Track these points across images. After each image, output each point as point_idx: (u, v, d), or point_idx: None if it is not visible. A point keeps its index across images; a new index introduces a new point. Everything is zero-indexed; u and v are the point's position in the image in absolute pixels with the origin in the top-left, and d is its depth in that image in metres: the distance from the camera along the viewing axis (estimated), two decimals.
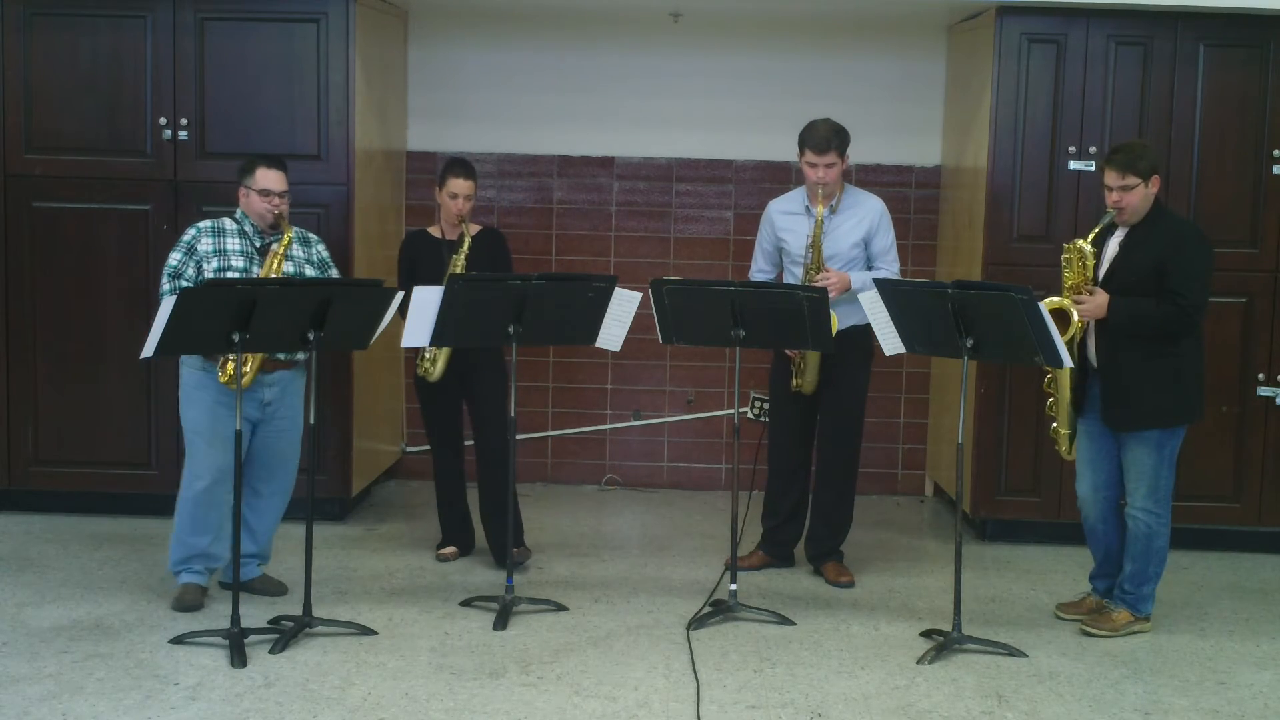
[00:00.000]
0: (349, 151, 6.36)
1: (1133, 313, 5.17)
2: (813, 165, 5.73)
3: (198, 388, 5.33)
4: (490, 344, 5.66)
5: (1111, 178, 5.21)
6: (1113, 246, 5.31)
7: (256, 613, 5.24)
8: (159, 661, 4.85)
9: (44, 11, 6.35)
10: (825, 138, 5.71)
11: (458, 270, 5.74)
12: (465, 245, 5.82)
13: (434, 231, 6.01)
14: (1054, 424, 5.45)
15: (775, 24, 7.30)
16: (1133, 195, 5.19)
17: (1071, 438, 5.41)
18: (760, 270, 6.06)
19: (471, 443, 6.10)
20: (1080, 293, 5.24)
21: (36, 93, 6.37)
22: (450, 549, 6.09)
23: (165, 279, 5.29)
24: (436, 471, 6.14)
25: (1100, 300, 5.19)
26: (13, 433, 6.51)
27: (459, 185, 5.87)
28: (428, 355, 5.86)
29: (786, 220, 5.91)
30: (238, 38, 6.33)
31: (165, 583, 5.52)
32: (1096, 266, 5.29)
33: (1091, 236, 5.26)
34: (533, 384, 7.41)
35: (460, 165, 5.94)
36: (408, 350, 6.12)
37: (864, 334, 5.71)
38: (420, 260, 5.91)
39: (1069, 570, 5.80)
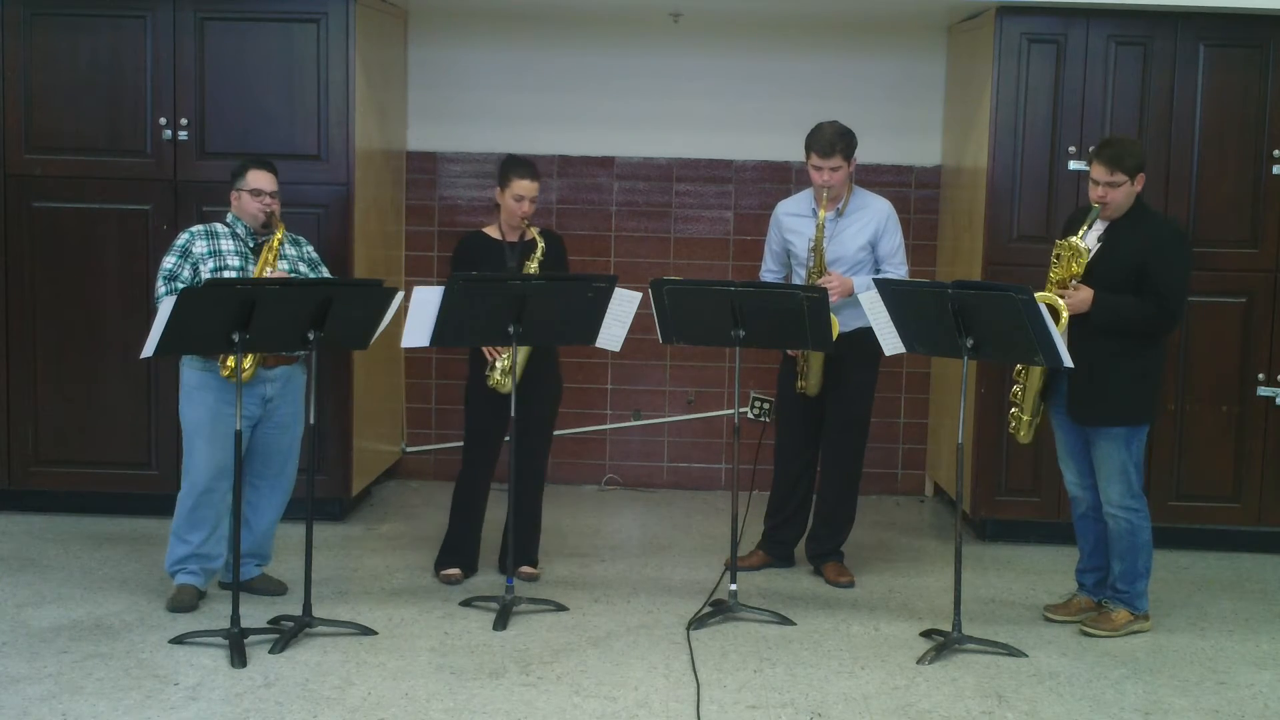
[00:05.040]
0: (349, 151, 6.36)
1: (1117, 309, 5.18)
2: (817, 168, 5.73)
3: (199, 387, 5.33)
4: (491, 344, 5.63)
5: (1099, 172, 5.22)
6: (1092, 242, 5.32)
7: (256, 613, 5.24)
8: (159, 661, 4.85)
9: (44, 11, 6.35)
10: (830, 141, 5.71)
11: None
12: (540, 250, 5.65)
13: (491, 232, 5.81)
14: (1015, 409, 5.44)
15: (775, 24, 7.29)
16: (1118, 191, 5.20)
17: (1032, 424, 5.41)
18: (769, 271, 6.06)
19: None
20: (1065, 288, 5.25)
21: (36, 93, 6.37)
22: (455, 570, 5.83)
23: (161, 282, 5.28)
24: (465, 484, 5.86)
25: (1085, 295, 5.20)
26: (13, 433, 6.51)
27: (524, 187, 5.65)
28: (500, 366, 5.64)
29: (793, 222, 5.91)
30: (238, 38, 6.32)
31: (165, 583, 5.52)
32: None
33: (1082, 233, 5.26)
34: None
35: (525, 166, 5.71)
36: (407, 351, 6.10)
37: (871, 337, 5.70)
38: (481, 262, 5.67)
39: (1069, 570, 5.79)
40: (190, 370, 5.36)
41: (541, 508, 5.97)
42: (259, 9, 6.32)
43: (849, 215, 5.86)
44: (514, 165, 5.73)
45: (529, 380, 5.63)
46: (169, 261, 5.31)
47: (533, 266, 5.66)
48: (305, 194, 6.20)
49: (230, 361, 5.21)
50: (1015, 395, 5.44)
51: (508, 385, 5.63)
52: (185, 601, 5.33)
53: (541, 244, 5.70)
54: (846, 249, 5.82)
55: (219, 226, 5.41)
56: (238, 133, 6.33)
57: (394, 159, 7.21)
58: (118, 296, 6.44)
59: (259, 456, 5.45)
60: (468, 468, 5.88)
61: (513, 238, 5.77)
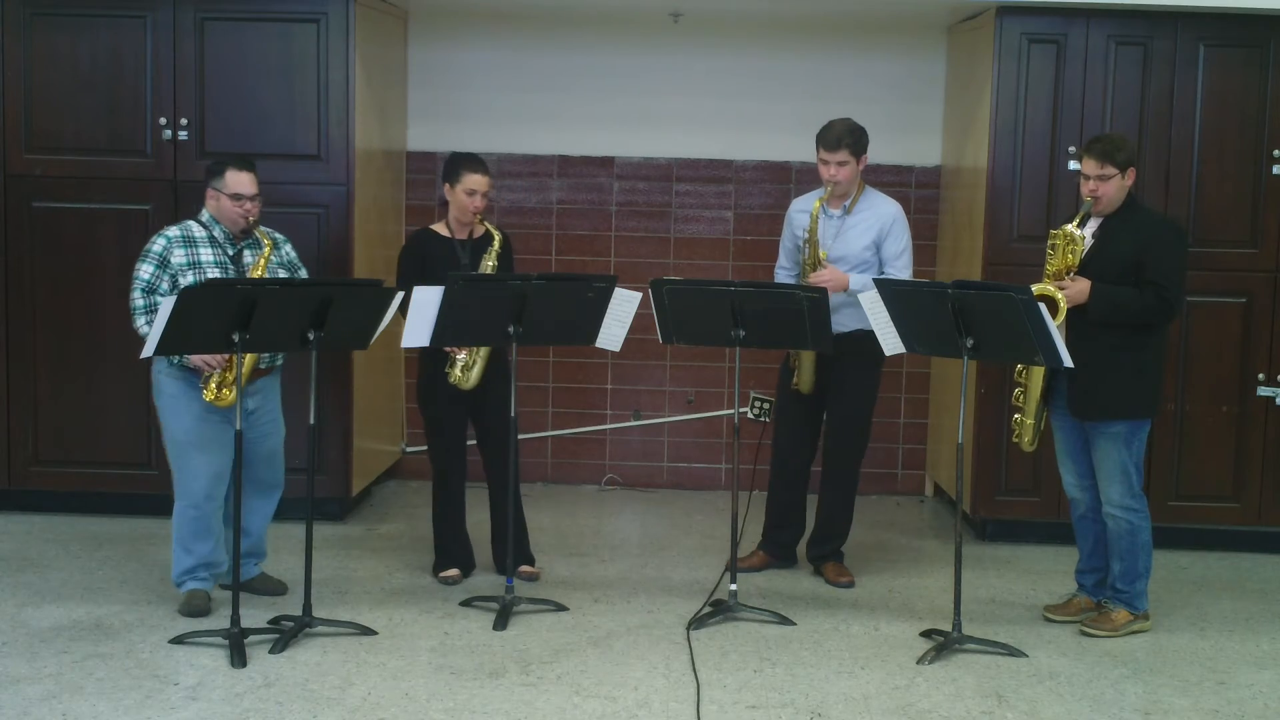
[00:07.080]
0: (349, 151, 6.36)
1: (1115, 300, 5.19)
2: (824, 163, 5.74)
3: (180, 396, 5.26)
4: (491, 344, 5.62)
5: (1089, 166, 5.24)
6: (1087, 238, 5.32)
7: (256, 613, 5.24)
8: (159, 661, 4.85)
9: (44, 11, 6.35)
10: (838, 136, 5.71)
11: (489, 271, 5.62)
12: (497, 244, 5.64)
13: (440, 230, 5.78)
14: (1017, 415, 5.45)
15: (775, 24, 7.30)
16: (1109, 185, 5.22)
17: (1036, 429, 5.41)
18: (783, 268, 6.07)
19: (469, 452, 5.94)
20: (1062, 279, 5.25)
21: (36, 93, 6.37)
22: (454, 571, 5.82)
23: (139, 293, 5.19)
24: (441, 486, 5.83)
25: (1082, 285, 5.21)
26: (13, 433, 6.51)
27: (477, 181, 5.63)
28: (461, 362, 5.62)
29: (803, 219, 5.91)
30: (238, 38, 6.33)
31: (165, 583, 5.53)
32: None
33: (1077, 221, 5.28)
34: (533, 384, 7.40)
35: (476, 160, 5.70)
36: (407, 351, 6.09)
37: (873, 339, 5.68)
38: (431, 260, 5.64)
39: (1069, 570, 5.79)
40: (168, 380, 5.26)
41: (522, 505, 5.86)
42: (259, 9, 6.32)
43: (856, 214, 5.85)
44: (464, 160, 5.70)
45: (487, 381, 5.63)
46: (146, 270, 5.21)
47: (489, 262, 5.64)
48: (305, 194, 6.19)
49: (213, 385, 5.18)
50: (1017, 398, 5.44)
51: (468, 382, 5.64)
52: (199, 606, 5.29)
53: (499, 236, 5.68)
54: (851, 248, 5.82)
55: (195, 229, 5.29)
56: (238, 133, 6.33)
57: (394, 159, 7.21)
58: (118, 297, 6.38)
59: (248, 465, 5.35)
60: (440, 474, 5.83)
61: (462, 235, 5.73)
